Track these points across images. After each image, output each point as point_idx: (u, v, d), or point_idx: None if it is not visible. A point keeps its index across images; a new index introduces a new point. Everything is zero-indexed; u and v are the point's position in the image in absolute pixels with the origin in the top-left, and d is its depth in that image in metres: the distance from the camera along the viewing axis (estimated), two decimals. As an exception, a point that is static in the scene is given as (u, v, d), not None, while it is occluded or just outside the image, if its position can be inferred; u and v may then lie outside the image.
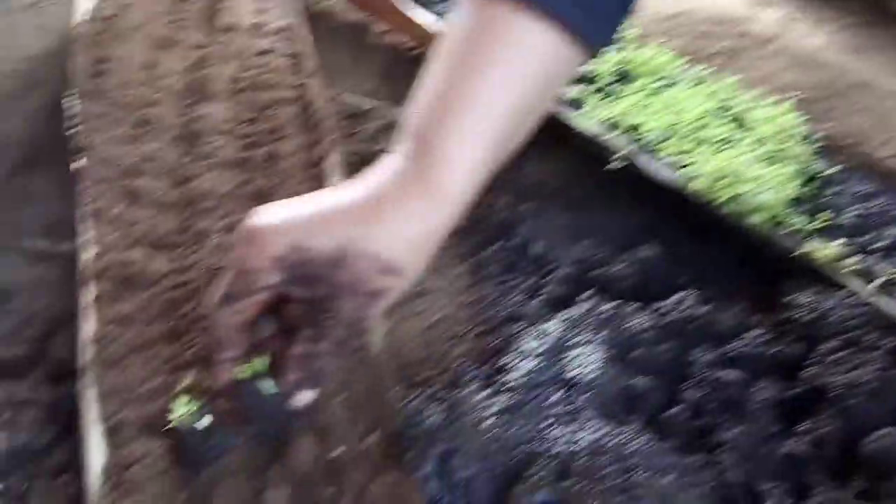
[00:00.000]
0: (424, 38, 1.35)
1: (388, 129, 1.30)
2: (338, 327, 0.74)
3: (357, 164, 1.23)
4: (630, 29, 1.31)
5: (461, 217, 0.75)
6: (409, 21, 1.36)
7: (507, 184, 1.19)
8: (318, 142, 1.13)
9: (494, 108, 0.72)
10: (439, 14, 1.37)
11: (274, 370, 0.76)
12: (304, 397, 0.76)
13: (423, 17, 1.35)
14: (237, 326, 0.75)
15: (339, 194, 0.74)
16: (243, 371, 0.75)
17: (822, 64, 1.42)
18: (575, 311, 0.95)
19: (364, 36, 1.49)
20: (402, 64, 1.44)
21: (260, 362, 0.75)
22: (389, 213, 0.72)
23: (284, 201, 0.77)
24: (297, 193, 1.03)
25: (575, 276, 1.05)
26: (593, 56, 0.75)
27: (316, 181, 1.07)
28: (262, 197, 1.04)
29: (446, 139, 0.72)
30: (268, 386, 0.75)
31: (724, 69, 1.39)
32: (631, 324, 0.94)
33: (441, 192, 0.73)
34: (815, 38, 1.53)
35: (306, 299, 0.75)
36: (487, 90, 0.71)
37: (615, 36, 0.77)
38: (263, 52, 1.28)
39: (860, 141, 1.25)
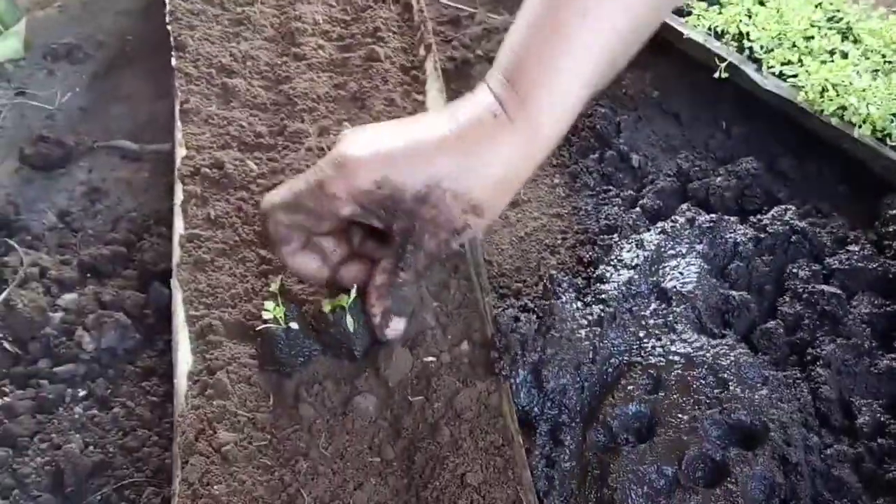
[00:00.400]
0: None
1: (487, 35, 1.28)
2: (418, 259, 0.74)
3: (454, 70, 1.22)
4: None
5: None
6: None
7: (605, 93, 1.16)
8: (415, 45, 1.11)
9: (591, 50, 0.71)
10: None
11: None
12: (395, 327, 0.76)
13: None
14: (290, 228, 0.75)
15: (431, 127, 0.73)
16: (328, 304, 0.75)
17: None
18: (673, 223, 0.93)
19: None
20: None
21: (346, 296, 0.75)
22: (480, 154, 0.72)
23: (376, 128, 0.76)
24: (394, 97, 1.04)
25: (673, 188, 1.04)
26: None
27: (413, 85, 1.06)
28: (358, 100, 1.04)
29: (542, 82, 0.71)
30: (350, 320, 0.75)
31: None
32: (729, 237, 0.92)
33: (533, 136, 0.73)
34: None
35: (386, 229, 0.75)
36: (586, 31, 0.70)
37: None
38: (363, -48, 1.25)
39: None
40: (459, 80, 1.19)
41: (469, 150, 0.72)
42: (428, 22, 1.14)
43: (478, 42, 1.26)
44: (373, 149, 0.72)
